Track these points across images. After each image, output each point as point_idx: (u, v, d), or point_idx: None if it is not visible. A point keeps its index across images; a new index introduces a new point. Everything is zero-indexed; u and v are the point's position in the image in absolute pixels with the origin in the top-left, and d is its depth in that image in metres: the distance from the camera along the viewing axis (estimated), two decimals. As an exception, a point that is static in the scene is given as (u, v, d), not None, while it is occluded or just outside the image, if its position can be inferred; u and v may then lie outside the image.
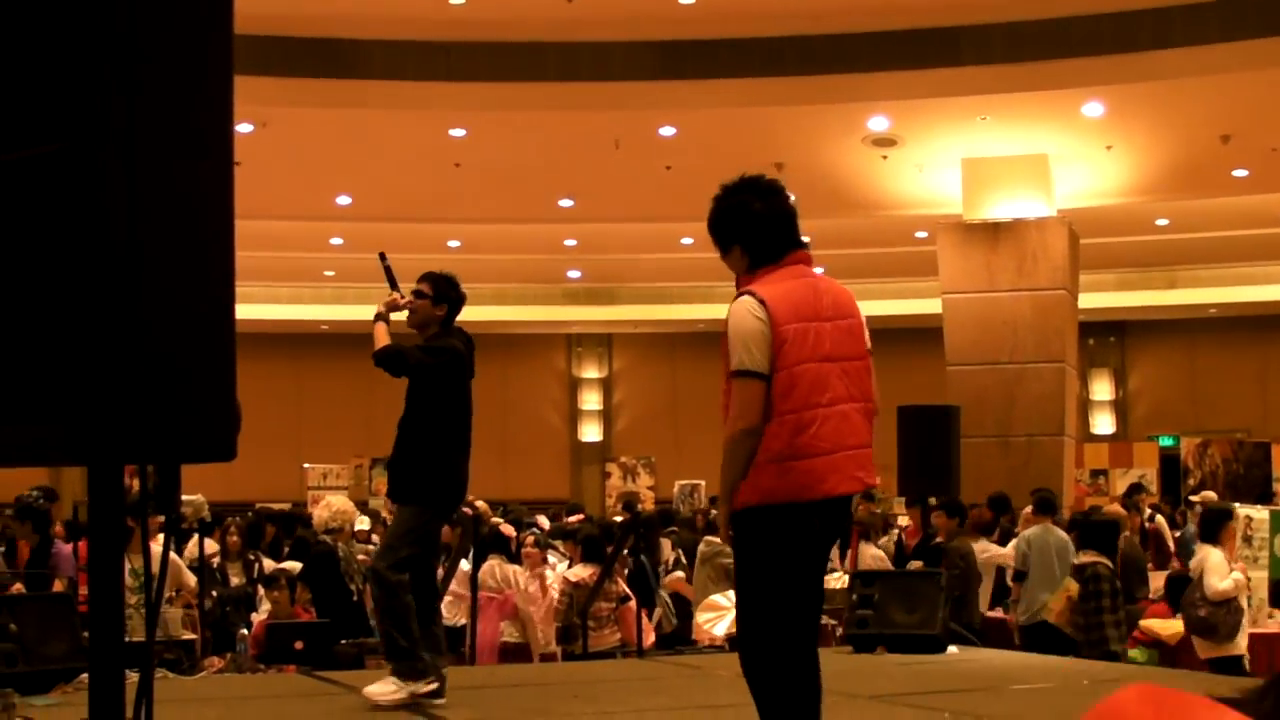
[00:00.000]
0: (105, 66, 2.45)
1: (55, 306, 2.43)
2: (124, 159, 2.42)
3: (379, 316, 9.31)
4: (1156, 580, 15.56)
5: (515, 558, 14.60)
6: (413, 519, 9.09)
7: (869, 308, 26.07)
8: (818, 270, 6.54)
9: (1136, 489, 20.19)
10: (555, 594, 14.04)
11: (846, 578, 13.67)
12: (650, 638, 13.82)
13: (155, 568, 12.48)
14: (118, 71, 2.45)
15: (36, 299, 2.46)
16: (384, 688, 8.83)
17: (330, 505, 13.75)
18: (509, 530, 14.77)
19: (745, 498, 6.02)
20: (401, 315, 9.43)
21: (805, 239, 6.41)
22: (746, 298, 6.12)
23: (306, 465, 32.75)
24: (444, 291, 9.44)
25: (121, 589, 2.62)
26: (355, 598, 12.83)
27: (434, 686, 8.91)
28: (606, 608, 13.72)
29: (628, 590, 14.03)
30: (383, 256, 9.70)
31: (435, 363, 9.18)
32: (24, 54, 2.54)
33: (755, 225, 6.29)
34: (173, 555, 13.38)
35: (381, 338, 9.21)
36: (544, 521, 16.89)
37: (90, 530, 2.57)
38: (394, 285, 9.50)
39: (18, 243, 2.49)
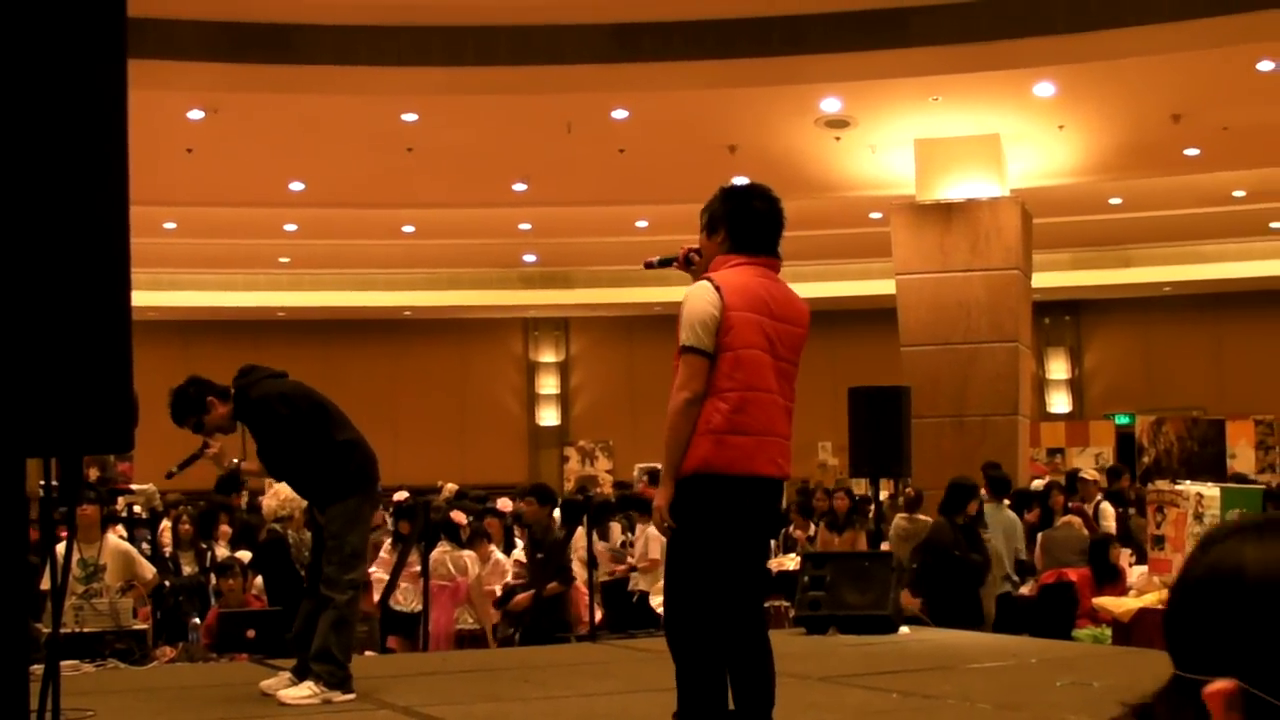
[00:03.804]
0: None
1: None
2: (8, 156, 2.41)
3: (230, 474, 10.26)
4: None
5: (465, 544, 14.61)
6: (346, 514, 9.11)
7: (824, 289, 26.24)
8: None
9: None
10: (509, 577, 14.07)
11: (799, 559, 13.70)
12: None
13: (106, 558, 12.49)
14: (6, 58, 2.44)
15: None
16: (299, 692, 8.82)
17: (279, 494, 13.68)
18: (460, 517, 14.75)
19: (683, 467, 6.46)
20: (214, 451, 9.61)
21: (779, 253, 6.92)
22: (703, 282, 6.66)
23: (262, 452, 32.63)
24: (201, 398, 9.37)
25: (23, 583, 2.61)
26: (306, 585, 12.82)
27: (351, 697, 8.91)
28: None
29: (574, 573, 14.06)
30: (170, 475, 9.88)
31: (276, 416, 9.21)
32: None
33: (747, 218, 6.81)
34: (129, 546, 13.38)
35: (253, 472, 9.84)
36: (506, 504, 16.85)
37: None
38: (196, 456, 9.66)
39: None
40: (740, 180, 7.20)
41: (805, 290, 28.74)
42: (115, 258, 2.58)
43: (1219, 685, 1.86)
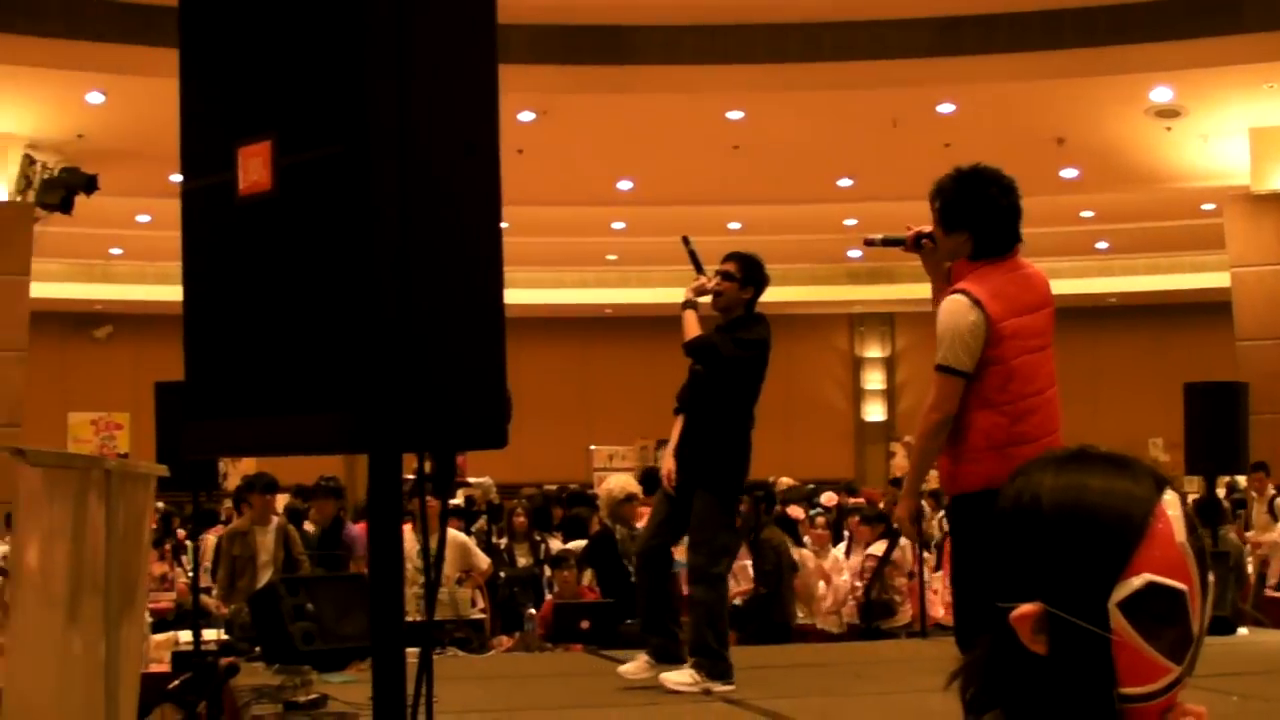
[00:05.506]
0: (376, 70, 2.58)
1: (338, 302, 2.56)
2: (396, 159, 2.54)
3: (687, 303, 9.13)
4: None
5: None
6: (720, 506, 8.89)
7: (1155, 282, 25.54)
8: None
9: None
10: (848, 574, 14.05)
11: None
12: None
13: (448, 550, 12.82)
14: (388, 75, 2.58)
15: (321, 295, 2.59)
16: (681, 677, 8.64)
17: (610, 488, 13.82)
18: (796, 513, 14.76)
19: (967, 484, 6.28)
20: (706, 298, 9.17)
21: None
22: (961, 297, 6.40)
23: (593, 447, 33.12)
24: (751, 273, 9.12)
25: (401, 571, 2.75)
26: (633, 579, 12.86)
27: (731, 688, 8.71)
28: (904, 583, 13.71)
29: (915, 567, 14.02)
30: (686, 240, 9.49)
31: (749, 357, 8.94)
32: (306, 61, 2.68)
33: (994, 218, 6.47)
34: (465, 537, 13.71)
35: (692, 327, 9.06)
36: (831, 499, 16.79)
37: (371, 515, 2.70)
38: (699, 268, 9.27)
39: (304, 241, 2.63)
40: (974, 165, 6.57)
41: (1135, 283, 28.04)
42: (489, 260, 2.71)
43: (1024, 609, 1.99)
